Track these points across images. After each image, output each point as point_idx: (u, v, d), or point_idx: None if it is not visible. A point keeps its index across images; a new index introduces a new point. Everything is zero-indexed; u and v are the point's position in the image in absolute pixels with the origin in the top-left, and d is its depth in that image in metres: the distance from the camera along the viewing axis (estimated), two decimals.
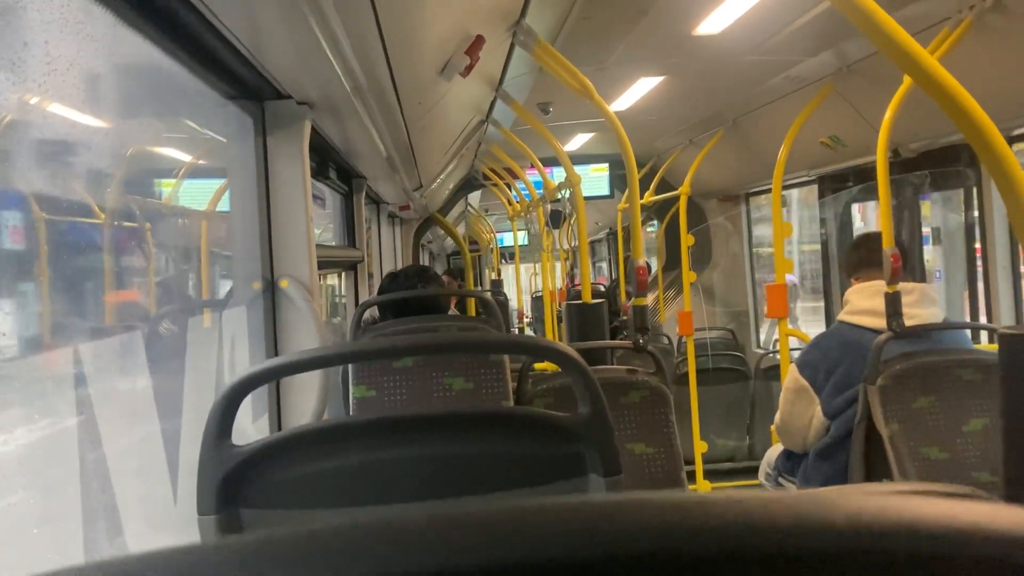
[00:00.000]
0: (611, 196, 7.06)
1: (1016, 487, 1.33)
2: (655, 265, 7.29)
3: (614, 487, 1.13)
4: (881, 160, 2.87)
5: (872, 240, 2.92)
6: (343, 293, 4.62)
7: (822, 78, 3.85)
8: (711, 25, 3.17)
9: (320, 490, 1.12)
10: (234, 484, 1.06)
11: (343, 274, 4.06)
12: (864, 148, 4.07)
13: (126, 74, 1.62)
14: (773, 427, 3.20)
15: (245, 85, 1.77)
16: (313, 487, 1.11)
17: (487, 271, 10.34)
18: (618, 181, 6.93)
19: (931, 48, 2.81)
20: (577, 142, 6.34)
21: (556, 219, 9.64)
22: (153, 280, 1.96)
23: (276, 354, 1.92)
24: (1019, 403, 1.33)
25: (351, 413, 2.83)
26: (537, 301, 8.49)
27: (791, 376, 3.01)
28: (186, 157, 2.36)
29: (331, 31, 1.45)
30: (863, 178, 4.54)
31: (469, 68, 2.26)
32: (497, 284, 7.81)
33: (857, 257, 3.02)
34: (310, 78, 1.79)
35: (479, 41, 2.19)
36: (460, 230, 9.07)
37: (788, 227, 4.00)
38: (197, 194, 2.63)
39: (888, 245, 2.77)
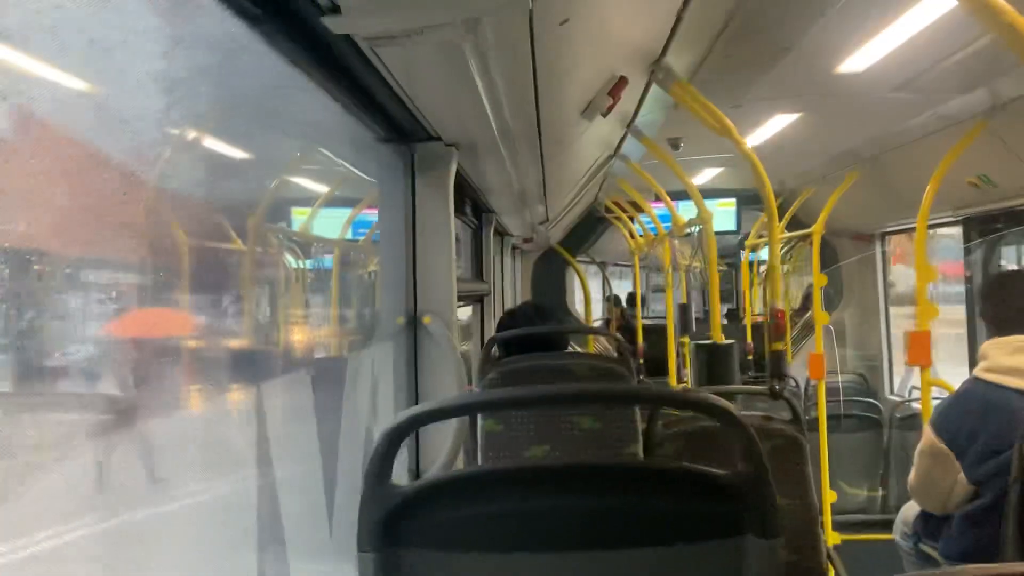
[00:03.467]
0: (737, 232, 6.90)
1: None
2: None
3: (773, 549, 1.08)
4: None
5: (1014, 284, 2.67)
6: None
7: (974, 115, 3.66)
8: (855, 63, 3.07)
9: (471, 534, 1.12)
10: (393, 523, 1.08)
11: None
12: (1018, 189, 3.85)
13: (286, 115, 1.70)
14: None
15: (398, 128, 1.82)
16: (465, 530, 1.12)
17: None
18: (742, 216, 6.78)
19: None
20: (704, 176, 6.25)
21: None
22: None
23: (416, 389, 1.95)
24: None
25: (479, 445, 2.85)
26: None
27: (926, 438, 2.75)
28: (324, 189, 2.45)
29: (488, 74, 1.48)
30: (1017, 221, 4.28)
31: (610, 108, 2.26)
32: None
33: (994, 308, 2.68)
34: (460, 120, 1.83)
35: (622, 82, 2.19)
36: None
37: (932, 270, 3.78)
38: (337, 221, 2.73)
39: None
